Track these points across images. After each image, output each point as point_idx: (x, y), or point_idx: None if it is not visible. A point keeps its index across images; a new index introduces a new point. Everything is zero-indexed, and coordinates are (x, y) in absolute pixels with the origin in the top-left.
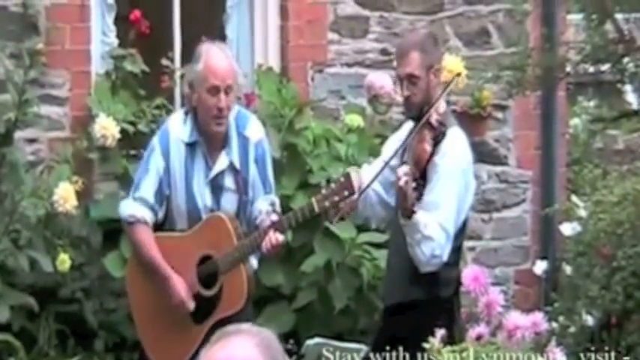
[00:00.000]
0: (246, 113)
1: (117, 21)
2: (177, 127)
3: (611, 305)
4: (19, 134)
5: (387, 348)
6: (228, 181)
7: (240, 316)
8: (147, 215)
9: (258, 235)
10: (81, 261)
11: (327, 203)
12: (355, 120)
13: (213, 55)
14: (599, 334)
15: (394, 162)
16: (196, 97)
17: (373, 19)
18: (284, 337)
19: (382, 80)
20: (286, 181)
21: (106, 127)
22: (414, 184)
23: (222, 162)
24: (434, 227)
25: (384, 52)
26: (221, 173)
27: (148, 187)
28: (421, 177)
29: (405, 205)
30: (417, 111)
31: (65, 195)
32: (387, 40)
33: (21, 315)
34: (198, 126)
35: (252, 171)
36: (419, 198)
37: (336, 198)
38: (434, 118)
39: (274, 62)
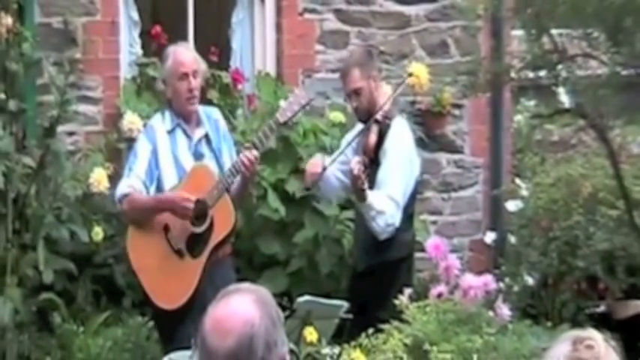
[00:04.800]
0: (212, 108)
1: (141, 35)
2: (159, 122)
3: (548, 269)
4: (60, 128)
5: (357, 305)
6: (206, 150)
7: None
8: (141, 188)
9: (236, 162)
10: (112, 233)
11: (288, 113)
12: (338, 116)
13: (178, 51)
14: (538, 293)
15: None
16: (171, 90)
17: (353, 33)
18: (279, 296)
19: None
20: (281, 167)
21: (133, 122)
22: (362, 168)
23: (199, 132)
24: (384, 201)
25: None
26: (199, 142)
27: (139, 166)
28: (374, 163)
29: (357, 187)
30: (365, 115)
31: (99, 178)
32: None
33: (62, 277)
34: (174, 113)
35: (222, 145)
36: (370, 182)
37: (296, 107)
38: (380, 115)
39: (271, 69)
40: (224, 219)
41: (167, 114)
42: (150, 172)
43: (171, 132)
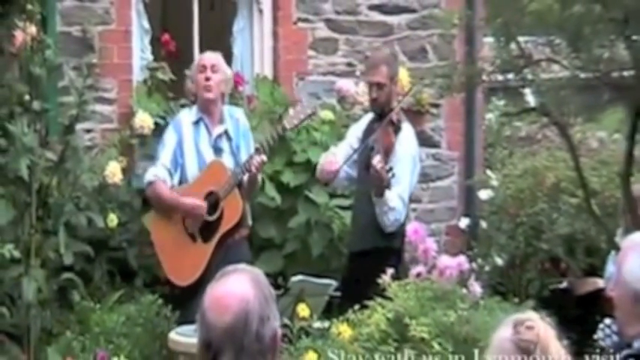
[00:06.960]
0: (236, 107)
1: (152, 42)
2: (186, 114)
3: (515, 251)
4: (79, 126)
5: (349, 283)
6: (225, 146)
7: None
8: (166, 176)
9: (245, 162)
10: (125, 219)
11: (295, 121)
12: (328, 115)
13: (204, 53)
14: (506, 272)
15: (357, 145)
16: (194, 85)
17: (341, 40)
18: (275, 276)
19: (348, 85)
20: (277, 160)
21: (144, 120)
22: (387, 167)
23: (219, 129)
24: (395, 199)
25: (349, 64)
26: (219, 137)
27: (165, 156)
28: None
29: (380, 186)
30: (380, 109)
31: (113, 170)
32: (352, 56)
33: (81, 259)
34: (199, 108)
35: (241, 142)
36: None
37: (302, 116)
38: (394, 117)
39: (268, 72)
40: (233, 210)
41: (194, 108)
42: (174, 160)
43: (195, 124)
